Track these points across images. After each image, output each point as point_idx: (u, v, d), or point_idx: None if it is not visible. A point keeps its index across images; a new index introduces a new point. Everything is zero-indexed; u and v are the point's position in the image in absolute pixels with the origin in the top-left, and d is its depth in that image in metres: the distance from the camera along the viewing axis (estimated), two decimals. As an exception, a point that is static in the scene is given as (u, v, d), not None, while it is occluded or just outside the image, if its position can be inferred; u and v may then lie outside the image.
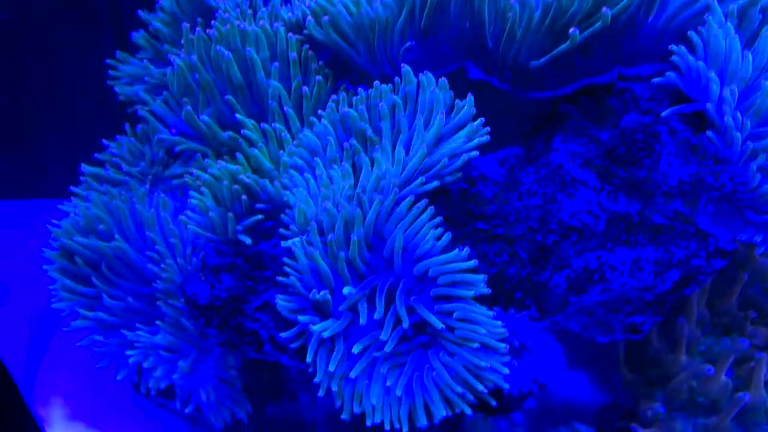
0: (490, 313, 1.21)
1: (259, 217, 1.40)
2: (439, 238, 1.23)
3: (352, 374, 1.26)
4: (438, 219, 1.25)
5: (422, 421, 1.27)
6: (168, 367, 1.65)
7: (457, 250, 1.22)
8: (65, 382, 2.15)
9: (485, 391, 1.20)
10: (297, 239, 1.28)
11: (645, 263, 1.18)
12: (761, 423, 1.61)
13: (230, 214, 1.39)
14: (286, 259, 1.27)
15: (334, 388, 1.28)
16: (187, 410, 1.80)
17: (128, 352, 1.65)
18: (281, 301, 1.27)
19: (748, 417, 1.61)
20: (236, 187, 1.40)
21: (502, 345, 1.19)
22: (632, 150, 1.25)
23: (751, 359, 1.66)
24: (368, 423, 1.32)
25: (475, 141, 1.26)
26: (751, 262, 1.78)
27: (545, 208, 1.25)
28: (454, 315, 1.22)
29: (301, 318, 1.26)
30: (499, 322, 1.21)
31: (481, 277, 1.21)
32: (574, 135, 1.30)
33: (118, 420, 2.04)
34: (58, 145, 2.61)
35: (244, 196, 1.38)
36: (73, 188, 1.73)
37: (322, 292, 1.23)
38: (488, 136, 1.27)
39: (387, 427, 1.31)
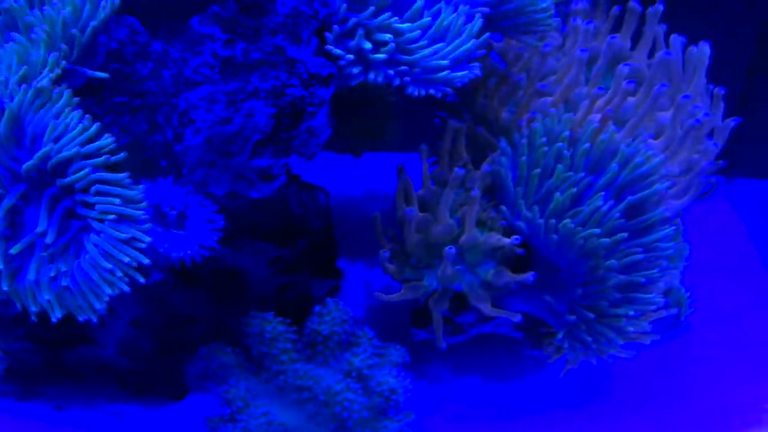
0: (124, 179, 1.23)
1: None
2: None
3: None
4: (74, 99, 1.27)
5: (96, 305, 1.30)
6: None
7: (82, 125, 1.25)
8: None
9: (132, 263, 1.24)
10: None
11: (220, 95, 1.21)
12: (480, 262, 1.66)
13: None
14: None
15: (5, 288, 1.31)
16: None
17: None
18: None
19: (467, 258, 1.66)
20: None
21: (140, 213, 1.23)
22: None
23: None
24: (53, 319, 1.35)
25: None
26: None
27: (180, 71, 1.28)
28: (91, 190, 1.25)
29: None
30: (136, 190, 1.24)
31: (109, 141, 1.23)
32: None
33: None
34: None
35: None
36: None
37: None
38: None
39: (81, 318, 1.34)
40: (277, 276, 1.92)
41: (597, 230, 1.51)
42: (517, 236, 1.60)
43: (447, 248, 1.60)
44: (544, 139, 1.55)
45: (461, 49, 1.34)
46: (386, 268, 1.73)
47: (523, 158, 1.56)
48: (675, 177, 1.77)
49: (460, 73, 1.34)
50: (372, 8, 1.23)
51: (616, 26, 2.10)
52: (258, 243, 1.82)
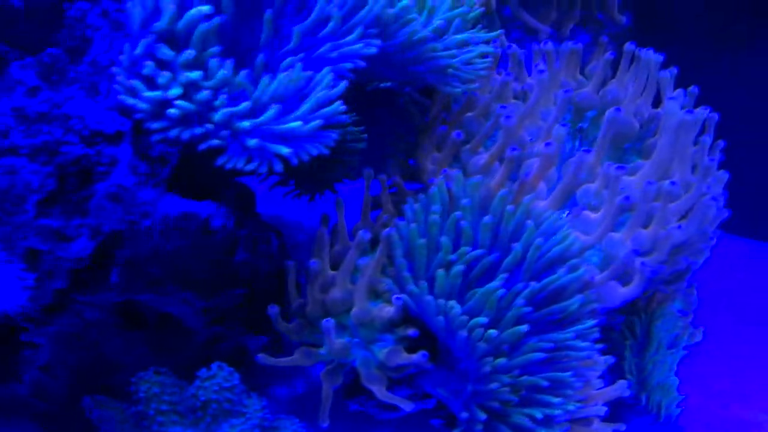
0: None
1: None
2: None
3: None
4: None
5: None
6: None
7: None
8: None
9: None
10: None
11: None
12: (376, 338, 1.46)
13: None
14: None
15: None
16: None
17: None
18: None
19: (362, 332, 1.46)
20: None
21: None
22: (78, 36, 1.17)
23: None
24: None
25: None
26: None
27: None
28: None
29: None
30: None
31: None
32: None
33: None
34: None
35: None
36: None
37: None
38: None
39: None
40: (210, 326, 1.80)
41: (482, 320, 1.28)
42: (398, 296, 1.39)
43: (324, 321, 1.41)
44: (435, 206, 1.33)
45: (288, 126, 1.13)
46: (279, 325, 1.56)
47: (412, 225, 1.34)
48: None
49: (284, 149, 1.14)
50: (149, 63, 1.06)
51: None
52: (184, 291, 1.71)
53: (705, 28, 2.36)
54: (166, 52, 1.07)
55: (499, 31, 1.56)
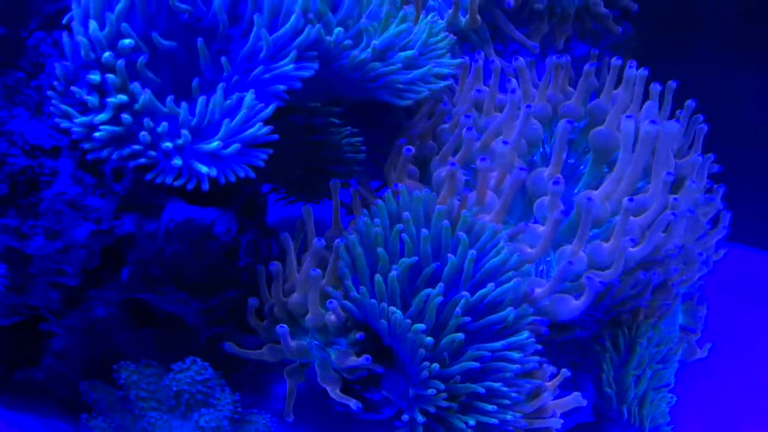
0: None
1: None
2: None
3: None
4: None
5: None
6: None
7: None
8: None
9: None
10: None
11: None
12: (332, 340, 1.53)
13: None
14: None
15: None
16: None
17: None
18: None
19: (318, 335, 1.54)
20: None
21: None
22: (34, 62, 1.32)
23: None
24: None
25: None
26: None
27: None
28: None
29: None
30: None
31: None
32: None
33: None
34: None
35: None
36: None
37: None
38: None
39: None
40: (210, 326, 1.91)
41: (421, 326, 1.33)
42: (330, 300, 1.47)
43: (278, 327, 1.50)
44: (377, 220, 1.39)
45: (209, 147, 1.22)
46: (251, 321, 1.66)
47: (353, 237, 1.41)
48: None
49: (204, 168, 1.22)
50: (80, 89, 1.18)
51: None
52: (179, 292, 1.82)
53: (711, 36, 2.31)
54: (93, 77, 1.19)
55: (460, 59, 1.61)
